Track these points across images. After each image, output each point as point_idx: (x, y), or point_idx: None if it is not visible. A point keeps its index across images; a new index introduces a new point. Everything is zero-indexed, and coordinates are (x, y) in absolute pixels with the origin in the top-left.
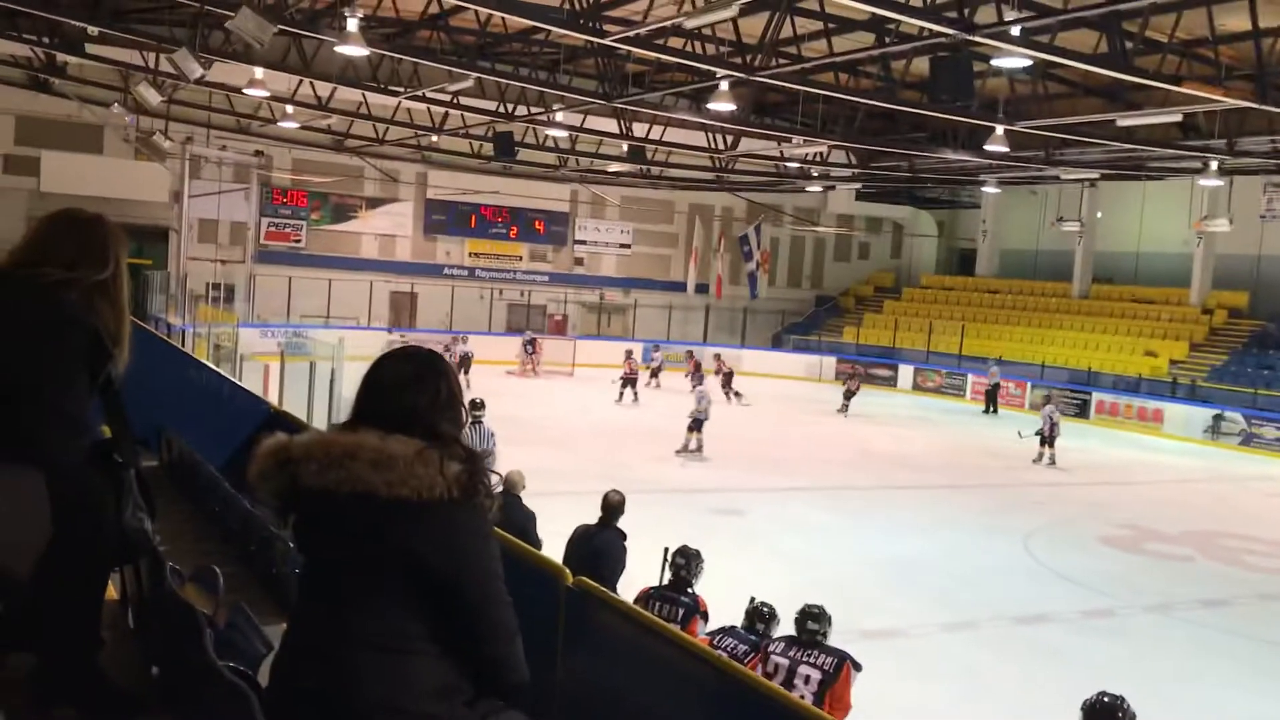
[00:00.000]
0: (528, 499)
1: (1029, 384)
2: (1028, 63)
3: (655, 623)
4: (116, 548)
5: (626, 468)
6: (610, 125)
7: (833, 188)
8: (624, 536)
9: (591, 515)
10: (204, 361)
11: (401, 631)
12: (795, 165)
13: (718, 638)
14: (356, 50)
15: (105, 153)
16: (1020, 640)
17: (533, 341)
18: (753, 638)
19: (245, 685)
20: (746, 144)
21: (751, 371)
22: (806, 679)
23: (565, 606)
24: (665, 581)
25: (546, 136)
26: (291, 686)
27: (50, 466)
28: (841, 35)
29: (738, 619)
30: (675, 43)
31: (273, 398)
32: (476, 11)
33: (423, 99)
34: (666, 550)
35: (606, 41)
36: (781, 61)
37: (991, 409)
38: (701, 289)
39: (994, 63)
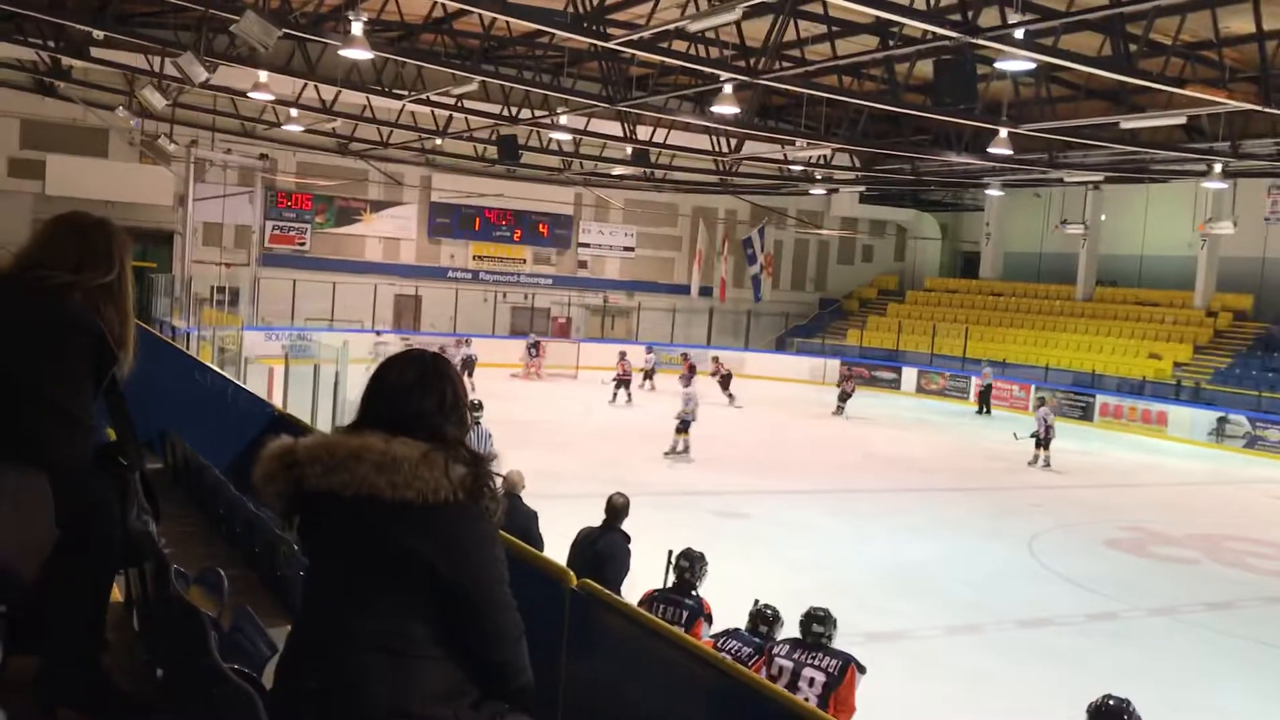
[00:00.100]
0: (531, 501)
1: (1033, 386)
2: (1031, 65)
3: (659, 625)
4: (121, 550)
5: (630, 470)
6: (614, 128)
7: (836, 190)
8: (628, 539)
9: (595, 518)
10: (208, 364)
11: (406, 634)
12: (799, 168)
13: (722, 640)
14: (361, 54)
15: (110, 156)
16: (1025, 643)
17: (536, 344)
18: (757, 640)
19: (250, 687)
20: (750, 147)
21: (755, 374)
22: (811, 681)
23: (570, 609)
24: (669, 584)
25: (550, 140)
26: (296, 688)
27: (55, 469)
28: (845, 38)
29: (741, 621)
30: (679, 46)
31: (277, 400)
32: (480, 15)
33: (427, 102)
34: (670, 553)
35: (610, 45)
36: (785, 64)
37: (984, 410)
38: (705, 292)
39: (997, 65)
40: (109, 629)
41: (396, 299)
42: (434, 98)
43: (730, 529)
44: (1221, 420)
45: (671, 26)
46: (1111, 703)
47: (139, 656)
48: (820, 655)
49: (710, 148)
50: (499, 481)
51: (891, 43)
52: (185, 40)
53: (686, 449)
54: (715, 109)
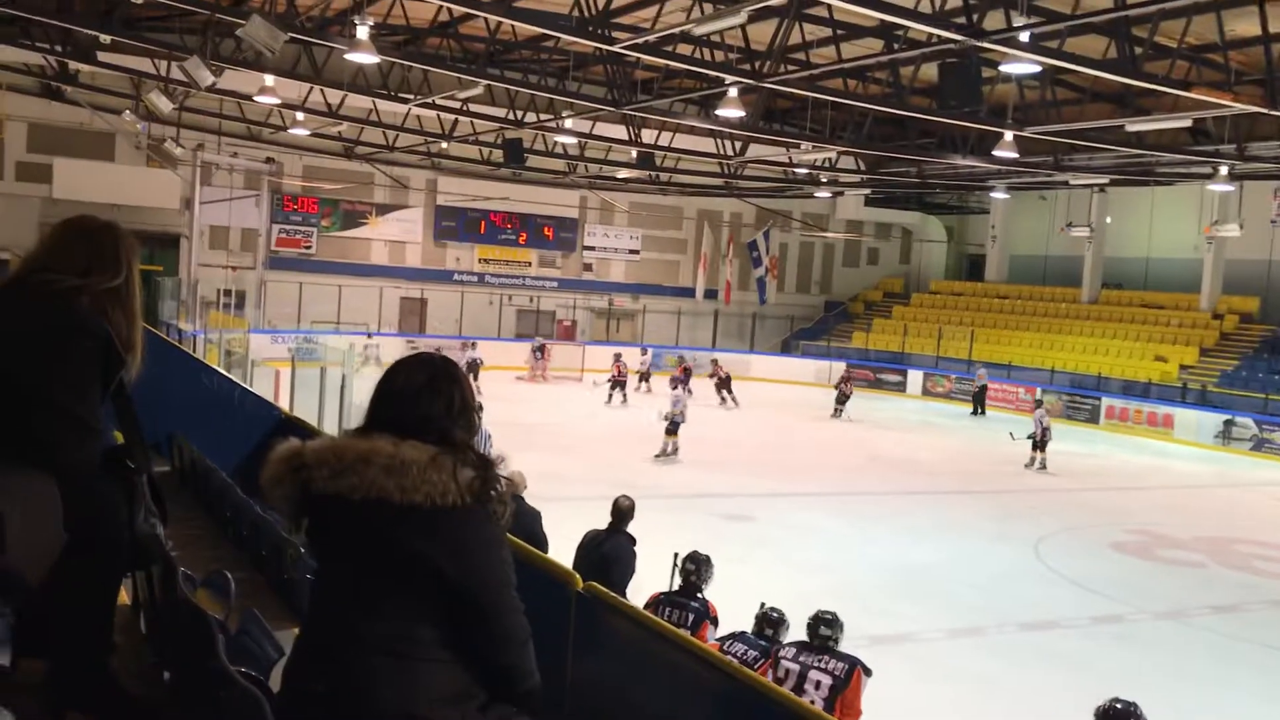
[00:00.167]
0: (536, 503)
1: (1039, 389)
2: (1036, 68)
3: (665, 628)
4: (129, 553)
5: (636, 473)
6: (619, 132)
7: (841, 193)
8: (634, 542)
9: (600, 520)
10: (215, 367)
11: (414, 637)
12: (804, 171)
13: (728, 643)
14: (367, 57)
15: (117, 160)
16: (1030, 646)
17: (542, 347)
18: (763, 643)
19: (257, 690)
20: (755, 150)
21: (760, 377)
22: (817, 684)
23: (576, 612)
24: (675, 587)
25: (556, 143)
26: (304, 691)
27: (63, 472)
28: (850, 41)
29: (747, 624)
30: (684, 49)
31: (283, 403)
32: (486, 19)
33: (433, 106)
34: (676, 555)
35: (615, 48)
36: (790, 68)
37: (979, 410)
38: (710, 294)
39: (1002, 68)
40: (116, 632)
41: (402, 302)
42: (439, 101)
43: (735, 532)
44: (1228, 423)
45: (677, 30)
46: (1119, 706)
47: (146, 659)
48: (826, 658)
49: (715, 151)
50: (506, 485)
51: (896, 46)
52: (192, 44)
53: (675, 450)
54: (720, 112)
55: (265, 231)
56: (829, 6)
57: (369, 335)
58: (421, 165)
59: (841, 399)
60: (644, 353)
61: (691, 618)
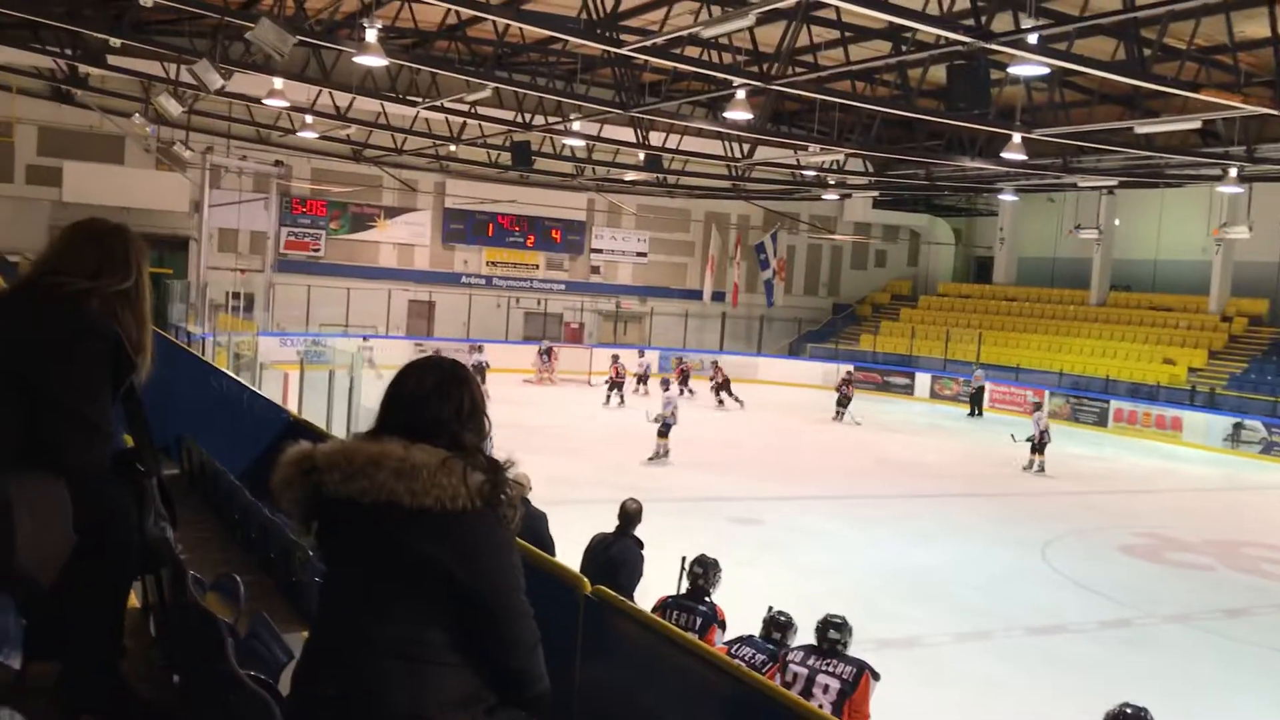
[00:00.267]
0: (543, 506)
1: (1047, 392)
2: (1045, 70)
3: (673, 632)
4: (138, 556)
5: (643, 475)
6: (627, 134)
7: (849, 196)
8: (641, 545)
9: (608, 523)
10: (224, 370)
11: (423, 641)
12: (812, 173)
13: (735, 647)
14: (375, 61)
15: (126, 163)
16: (1038, 650)
17: (549, 350)
18: (770, 647)
19: (266, 694)
20: (763, 152)
21: (768, 379)
22: (825, 688)
23: (584, 615)
24: (683, 590)
25: (563, 145)
26: (313, 695)
27: (73, 475)
28: (858, 44)
29: (755, 628)
30: (692, 52)
31: (292, 406)
32: (494, 22)
33: (441, 109)
34: (684, 559)
35: (623, 51)
36: (798, 70)
37: (976, 412)
38: (718, 297)
39: (1011, 70)
40: (126, 635)
41: (410, 305)
42: (448, 104)
43: (743, 535)
44: (1237, 426)
45: (685, 33)
46: (1129, 710)
47: (156, 662)
48: (835, 662)
49: (723, 153)
50: (516, 489)
51: (904, 48)
52: (201, 48)
53: (666, 453)
54: (728, 114)
55: (274, 234)
56: (837, 9)
57: (364, 339)
58: (430, 168)
59: (843, 401)
60: (641, 355)
61: (699, 621)
